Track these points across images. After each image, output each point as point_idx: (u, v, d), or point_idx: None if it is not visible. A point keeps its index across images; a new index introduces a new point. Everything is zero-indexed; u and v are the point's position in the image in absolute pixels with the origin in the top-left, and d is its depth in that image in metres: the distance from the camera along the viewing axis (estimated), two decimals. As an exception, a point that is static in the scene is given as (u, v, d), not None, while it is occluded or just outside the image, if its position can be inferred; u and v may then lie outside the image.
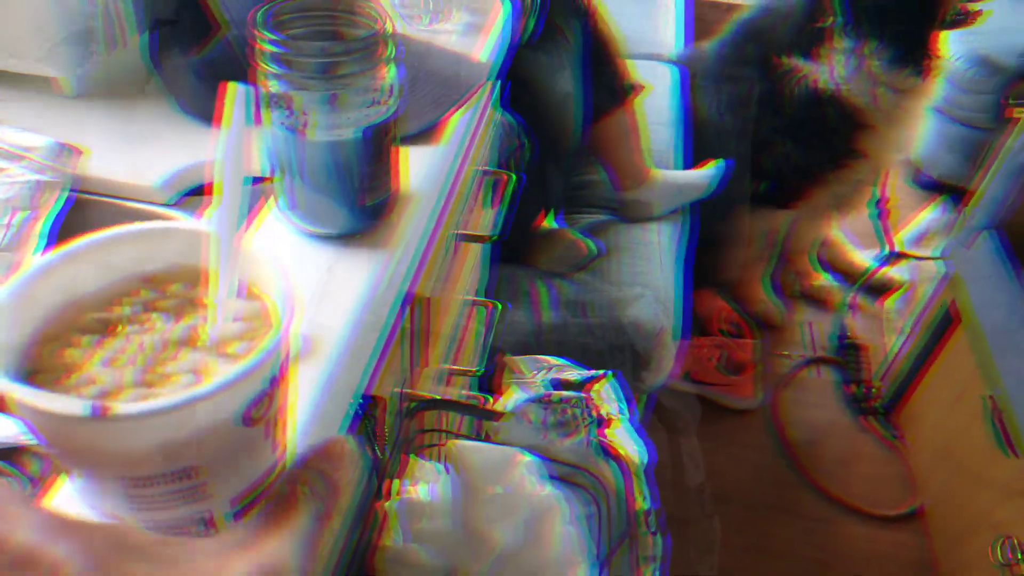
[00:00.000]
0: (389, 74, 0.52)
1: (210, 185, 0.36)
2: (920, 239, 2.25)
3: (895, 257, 2.18)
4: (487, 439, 0.59)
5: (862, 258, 2.16)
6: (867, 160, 1.71)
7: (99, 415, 0.25)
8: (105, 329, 0.31)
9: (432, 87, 0.70)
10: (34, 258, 0.32)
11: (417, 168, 0.61)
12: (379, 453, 0.57)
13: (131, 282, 0.33)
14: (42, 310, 0.31)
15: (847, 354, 1.93)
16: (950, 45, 2.12)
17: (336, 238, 0.56)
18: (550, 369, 0.90)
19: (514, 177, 0.87)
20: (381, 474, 0.58)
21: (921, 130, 1.73)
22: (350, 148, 0.52)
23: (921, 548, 1.57)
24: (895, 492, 1.66)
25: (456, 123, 0.69)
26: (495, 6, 0.89)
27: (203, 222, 0.33)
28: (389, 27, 0.51)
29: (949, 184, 2.34)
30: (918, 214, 2.31)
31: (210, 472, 0.29)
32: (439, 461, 0.59)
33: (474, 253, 1.01)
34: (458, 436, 0.63)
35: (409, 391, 0.62)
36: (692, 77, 1.92)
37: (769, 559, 1.55)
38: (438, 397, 0.60)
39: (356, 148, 0.52)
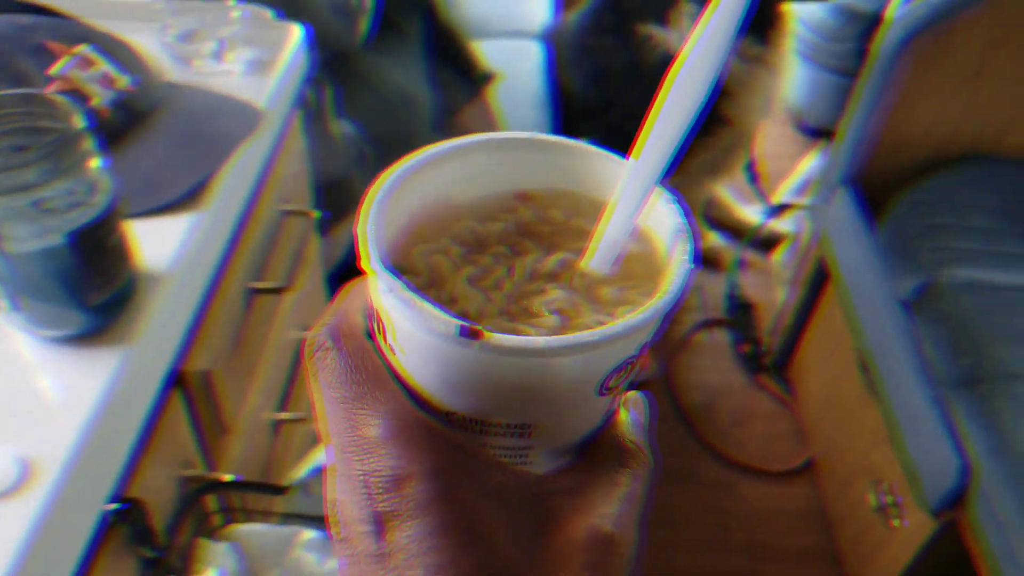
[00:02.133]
0: (93, 169, 0.49)
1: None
2: (805, 188, 2.29)
3: (781, 209, 2.22)
4: (275, 515, 0.58)
5: (749, 214, 2.19)
6: (731, 126, 1.72)
7: (467, 337, 0.23)
8: (477, 243, 0.29)
9: (194, 147, 0.66)
10: (420, 152, 0.28)
11: (176, 238, 0.58)
12: (153, 552, 0.55)
13: (507, 198, 0.30)
14: (419, 204, 0.29)
15: (738, 313, 1.97)
16: (814, -7, 2.16)
17: (73, 338, 0.53)
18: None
19: (319, 213, 0.84)
20: (163, 571, 0.55)
21: (781, 92, 1.74)
22: (60, 254, 0.49)
23: (814, 499, 1.62)
24: (789, 447, 1.71)
25: (229, 177, 0.65)
26: (287, 36, 0.85)
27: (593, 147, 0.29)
28: (81, 123, 0.48)
29: (828, 131, 2.38)
30: (801, 162, 2.35)
31: (540, 433, 0.26)
32: (227, 542, 0.57)
33: (308, 282, 0.98)
34: (249, 513, 0.61)
35: (195, 474, 0.60)
36: (557, 52, 1.90)
37: (672, 528, 1.58)
38: (220, 479, 0.58)
39: (67, 253, 0.49)
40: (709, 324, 1.98)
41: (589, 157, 0.29)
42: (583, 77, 1.80)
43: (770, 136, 2.59)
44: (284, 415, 0.81)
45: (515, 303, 0.27)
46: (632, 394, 0.30)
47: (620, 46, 1.73)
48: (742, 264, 2.11)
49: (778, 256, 2.11)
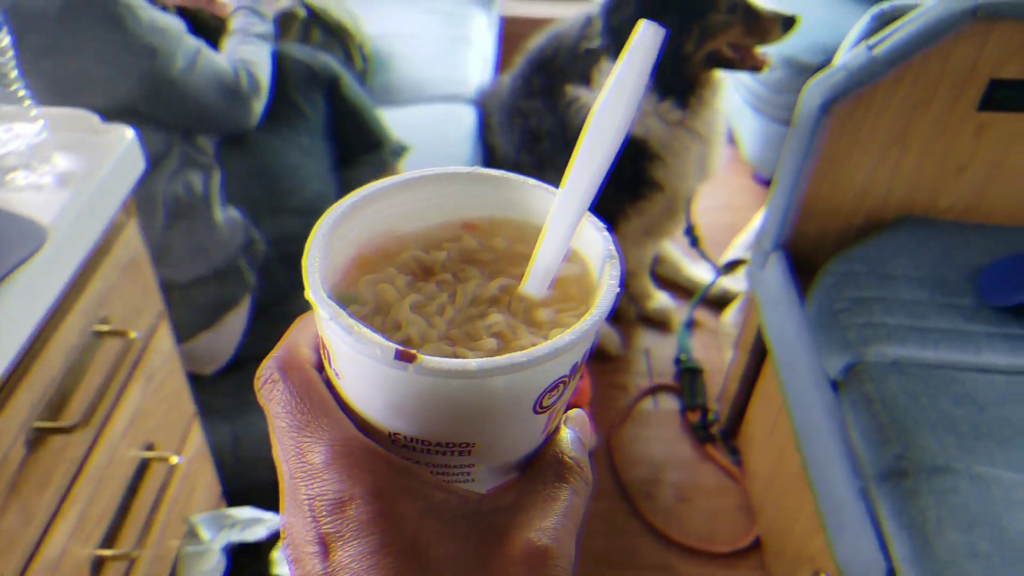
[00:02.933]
0: None
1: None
2: (756, 243, 2.23)
3: (732, 265, 2.15)
4: None
5: (699, 272, 2.13)
6: (663, 191, 1.67)
7: (402, 360, 0.24)
8: (422, 271, 0.30)
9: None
10: (367, 186, 0.30)
11: None
12: None
13: (453, 227, 0.32)
14: (366, 235, 0.30)
15: (686, 378, 1.89)
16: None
17: None
18: (233, 526, 0.80)
19: (133, 334, 0.77)
20: None
21: (713, 157, 1.69)
22: None
23: (761, 582, 1.53)
24: (736, 524, 1.63)
25: (10, 300, 0.59)
26: (114, 141, 0.79)
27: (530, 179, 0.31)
28: None
29: (779, 183, 2.33)
30: (754, 216, 2.29)
31: (482, 451, 0.27)
32: None
33: (145, 401, 0.91)
34: None
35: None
36: (488, 116, 1.85)
37: (610, 618, 1.49)
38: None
39: None
40: (656, 390, 1.90)
41: (528, 188, 0.31)
42: (514, 141, 1.75)
43: (732, 188, 2.54)
44: (107, 552, 0.74)
45: (457, 328, 0.28)
46: (572, 412, 0.31)
47: (547, 108, 1.69)
48: (691, 325, 2.04)
49: (728, 316, 2.04)
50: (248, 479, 1.19)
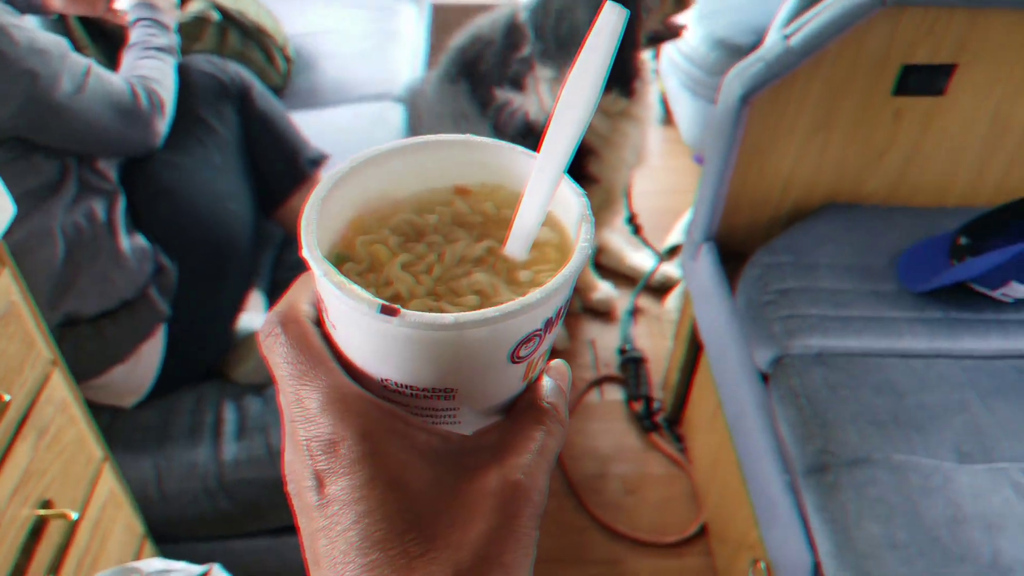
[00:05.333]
0: None
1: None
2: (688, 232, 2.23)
3: (672, 251, 2.15)
4: None
5: (640, 260, 2.12)
6: (600, 184, 1.65)
7: (386, 314, 0.26)
8: (414, 232, 0.33)
9: None
10: (366, 149, 0.33)
11: None
12: None
13: (445, 192, 0.34)
14: (361, 198, 0.33)
15: (627, 368, 1.89)
16: (691, 29, 2.11)
17: None
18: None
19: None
20: None
21: (647, 141, 1.68)
22: None
23: (707, 569, 1.55)
24: (683, 513, 1.64)
25: None
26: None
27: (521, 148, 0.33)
28: None
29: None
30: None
31: (464, 397, 0.30)
32: None
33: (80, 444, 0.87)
34: None
35: None
36: (415, 114, 1.82)
37: (560, 616, 1.49)
38: None
39: None
40: (600, 382, 1.90)
41: (517, 155, 0.33)
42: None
43: (672, 171, 2.54)
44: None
45: (442, 285, 0.31)
46: (553, 362, 0.34)
47: (476, 113, 1.66)
48: (634, 313, 2.04)
49: (669, 301, 2.04)
50: (175, 513, 1.16)
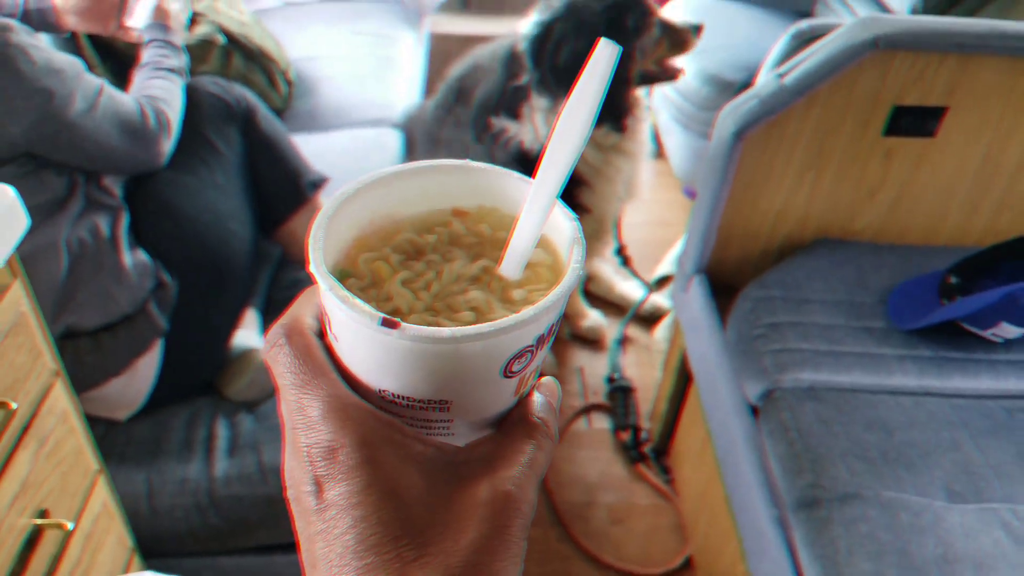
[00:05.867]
0: None
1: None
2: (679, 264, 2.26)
3: (661, 281, 2.18)
4: None
5: (630, 290, 2.14)
6: (591, 214, 1.68)
7: (387, 327, 0.28)
8: (414, 251, 0.34)
9: None
10: (371, 172, 0.34)
11: None
12: None
13: (444, 213, 0.36)
14: (366, 218, 0.34)
15: (617, 397, 1.90)
16: (684, 65, 2.15)
17: None
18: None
19: None
20: None
21: (639, 176, 1.71)
22: None
23: (692, 602, 1.55)
24: (669, 544, 1.64)
25: None
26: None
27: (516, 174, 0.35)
28: None
29: (708, 198, 2.36)
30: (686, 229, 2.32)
31: (458, 409, 0.31)
32: None
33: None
34: None
35: None
36: (412, 141, 1.84)
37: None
38: None
39: None
40: (588, 410, 1.91)
41: (511, 180, 0.35)
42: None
43: (662, 203, 2.57)
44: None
45: (440, 301, 0.32)
46: (544, 379, 0.36)
47: (473, 140, 1.68)
48: (623, 342, 2.05)
49: (658, 331, 2.06)
50: (165, 528, 1.15)
